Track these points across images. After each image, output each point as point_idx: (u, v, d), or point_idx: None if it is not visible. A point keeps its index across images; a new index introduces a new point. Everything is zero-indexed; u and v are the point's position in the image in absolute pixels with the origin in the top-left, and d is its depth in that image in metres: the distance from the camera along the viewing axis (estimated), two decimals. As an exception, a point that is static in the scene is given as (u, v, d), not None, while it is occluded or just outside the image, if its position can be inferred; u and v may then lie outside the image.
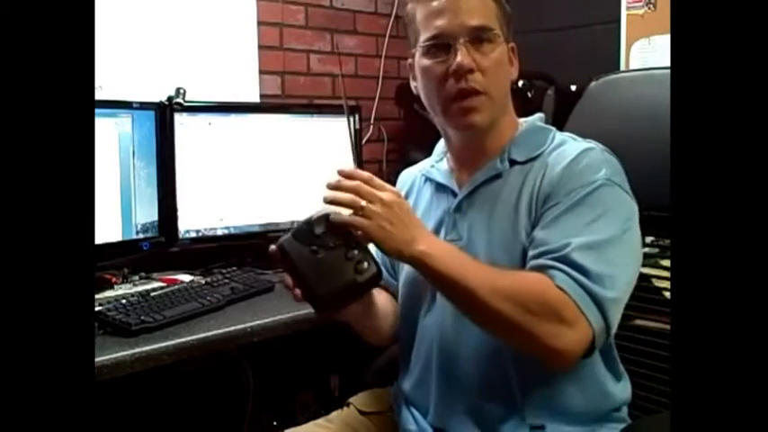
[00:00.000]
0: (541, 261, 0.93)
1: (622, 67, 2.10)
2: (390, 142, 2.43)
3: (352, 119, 1.95)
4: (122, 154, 1.57)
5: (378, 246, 0.90)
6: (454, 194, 1.09)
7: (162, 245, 1.68)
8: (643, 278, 1.20)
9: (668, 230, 1.19)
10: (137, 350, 1.17)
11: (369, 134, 2.34)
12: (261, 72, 2.08)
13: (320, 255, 0.90)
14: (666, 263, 1.26)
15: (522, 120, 1.11)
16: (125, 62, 1.76)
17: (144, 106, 1.63)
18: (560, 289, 0.89)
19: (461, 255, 0.94)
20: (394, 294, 1.17)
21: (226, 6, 1.99)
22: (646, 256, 1.11)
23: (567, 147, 1.02)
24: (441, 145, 1.17)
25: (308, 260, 0.90)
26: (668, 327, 1.18)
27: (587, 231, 0.93)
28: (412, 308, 1.11)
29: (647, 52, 2.07)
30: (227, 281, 1.55)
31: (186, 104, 1.69)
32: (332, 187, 0.92)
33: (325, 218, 0.91)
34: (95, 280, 1.54)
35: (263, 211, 1.82)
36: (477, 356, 1.01)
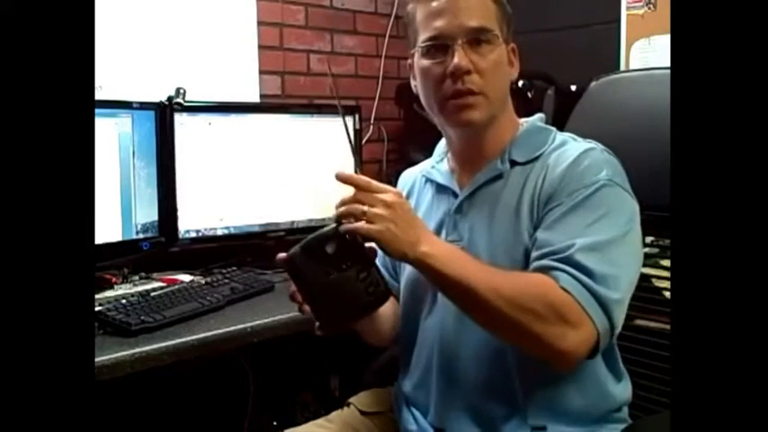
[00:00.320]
0: (545, 262, 0.92)
1: (622, 67, 2.10)
2: (390, 142, 2.43)
3: (351, 119, 1.96)
4: (122, 154, 1.57)
5: (383, 248, 0.89)
6: (455, 195, 1.09)
7: (162, 245, 1.68)
8: (643, 278, 1.20)
9: (668, 230, 1.19)
10: (137, 350, 1.17)
11: (369, 134, 2.34)
12: (261, 72, 2.08)
13: (332, 276, 0.89)
14: (666, 263, 1.26)
15: (522, 120, 1.11)
16: (125, 62, 1.76)
17: (144, 106, 1.63)
18: (564, 290, 0.89)
19: (464, 255, 0.94)
20: (395, 295, 1.17)
21: (226, 6, 1.99)
22: (646, 256, 1.11)
23: (568, 147, 1.02)
24: (441, 145, 1.17)
25: (320, 282, 0.89)
26: (668, 327, 1.18)
27: (590, 232, 0.93)
28: (413, 309, 1.11)
29: (647, 52, 2.07)
30: (227, 281, 1.55)
31: (186, 104, 1.69)
32: (338, 205, 0.91)
33: (335, 235, 0.89)
34: (95, 280, 1.54)
35: (263, 211, 1.82)
36: (478, 357, 1.01)
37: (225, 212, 1.76)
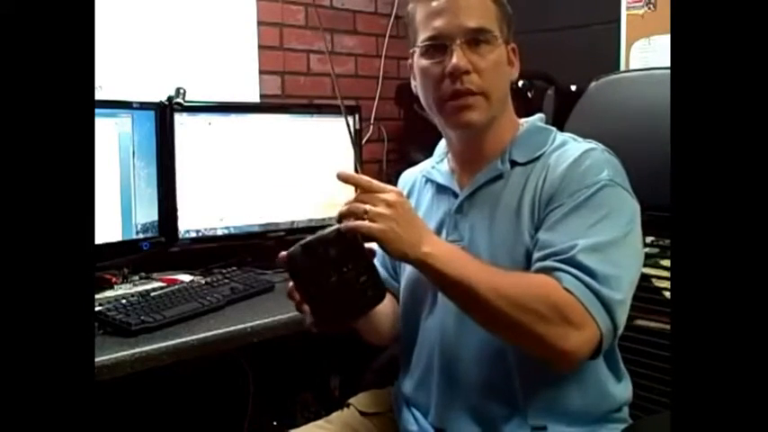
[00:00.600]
0: (547, 263, 0.92)
1: (622, 67, 2.10)
2: (390, 142, 2.43)
3: (351, 119, 1.96)
4: (122, 154, 1.57)
5: (384, 248, 0.88)
6: (455, 195, 1.08)
7: (162, 245, 1.68)
8: (643, 278, 1.20)
9: (668, 230, 1.19)
10: (137, 350, 1.17)
11: (369, 134, 2.34)
12: (261, 72, 2.08)
13: (333, 279, 0.88)
14: (666, 263, 1.26)
15: (522, 120, 1.11)
16: (125, 62, 1.76)
17: (144, 106, 1.63)
18: (567, 291, 0.89)
19: (466, 256, 0.93)
20: (395, 295, 1.17)
21: (226, 6, 1.99)
22: (646, 255, 1.11)
23: (569, 147, 1.02)
24: (441, 146, 1.17)
25: (319, 283, 0.89)
26: (668, 327, 1.18)
27: (592, 233, 0.93)
28: (413, 309, 1.11)
29: (647, 52, 2.07)
30: (227, 281, 1.55)
31: (186, 104, 1.69)
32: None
33: (337, 237, 0.89)
34: (95, 280, 1.54)
35: (263, 211, 1.82)
36: (479, 357, 1.01)
37: (225, 212, 1.76)
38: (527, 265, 0.97)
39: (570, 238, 0.92)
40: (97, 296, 1.47)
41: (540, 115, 1.12)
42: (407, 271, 1.12)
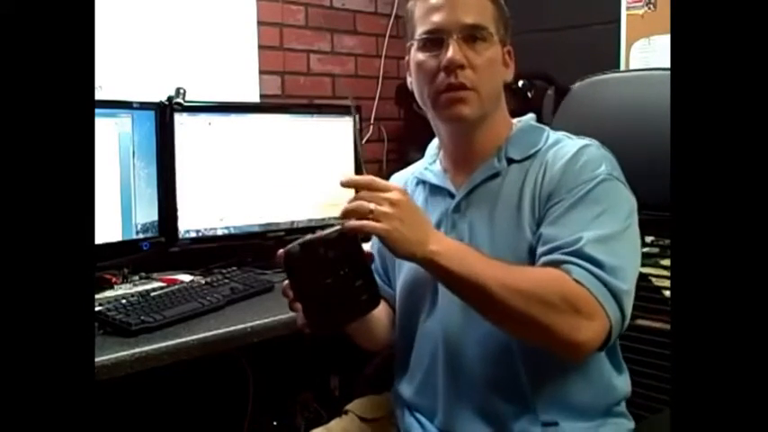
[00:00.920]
0: (555, 256, 0.93)
1: (622, 67, 2.10)
2: (390, 142, 2.43)
3: (352, 119, 1.96)
4: (122, 154, 1.57)
5: (390, 247, 0.88)
6: (451, 195, 1.08)
7: (162, 245, 1.67)
8: (643, 278, 1.21)
9: (659, 230, 1.19)
10: (137, 350, 1.17)
11: (369, 134, 2.34)
12: (261, 72, 2.08)
13: (328, 280, 0.88)
14: (666, 262, 1.27)
15: (515, 119, 1.12)
16: (125, 62, 1.76)
17: (144, 106, 1.63)
18: (578, 282, 0.89)
19: (474, 252, 0.93)
20: (388, 300, 1.16)
21: (226, 6, 1.99)
22: (646, 255, 1.12)
23: (565, 144, 1.04)
24: (432, 146, 1.18)
25: (315, 284, 0.88)
26: (668, 326, 1.18)
27: (595, 225, 0.93)
28: (411, 313, 1.10)
29: (647, 52, 2.07)
30: (227, 281, 1.55)
31: (186, 104, 1.69)
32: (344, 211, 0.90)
33: (336, 239, 0.88)
34: (95, 280, 1.54)
35: (263, 211, 1.82)
36: (484, 356, 1.01)
37: (225, 212, 1.76)
38: (530, 261, 0.97)
39: (574, 232, 0.93)
40: (97, 296, 1.47)
41: (531, 115, 1.14)
42: (403, 274, 1.12)
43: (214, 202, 1.74)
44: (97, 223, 1.28)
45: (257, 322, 1.34)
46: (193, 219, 1.71)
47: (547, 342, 0.91)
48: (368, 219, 0.86)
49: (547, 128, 1.10)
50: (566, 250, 0.92)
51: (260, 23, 2.07)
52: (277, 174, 1.83)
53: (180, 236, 1.69)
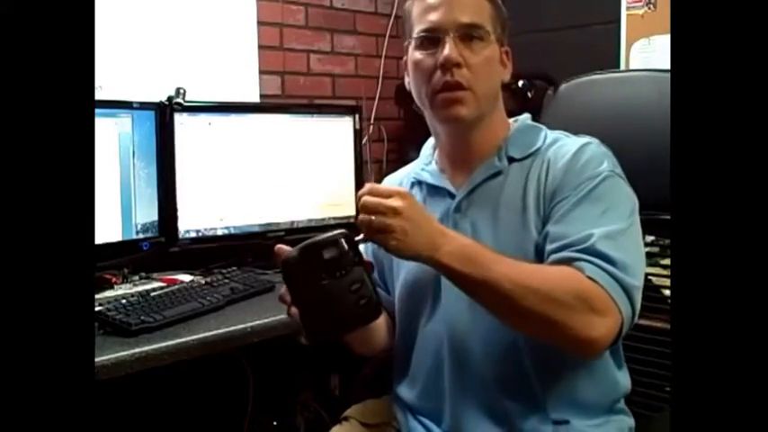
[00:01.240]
0: (566, 254, 0.92)
1: (622, 67, 2.10)
2: (390, 142, 2.43)
3: (351, 119, 1.96)
4: (122, 154, 1.57)
5: (394, 255, 0.88)
6: (451, 195, 1.08)
7: (162, 245, 1.68)
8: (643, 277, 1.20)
9: (660, 230, 1.19)
10: (137, 350, 1.17)
11: (369, 134, 2.34)
12: (261, 72, 2.08)
13: (324, 282, 0.86)
14: (666, 262, 1.27)
15: (511, 119, 1.12)
16: (125, 62, 1.76)
17: (144, 106, 1.63)
18: (591, 279, 0.89)
19: (484, 252, 0.91)
20: (384, 306, 1.16)
21: (226, 6, 1.99)
22: (646, 255, 1.11)
23: (565, 143, 1.04)
24: (428, 147, 1.17)
25: (310, 287, 0.87)
26: (668, 326, 1.18)
27: (603, 222, 0.94)
28: (412, 314, 1.09)
29: (647, 52, 2.07)
30: (227, 281, 1.55)
31: (186, 104, 1.69)
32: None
33: (336, 241, 0.87)
34: (95, 280, 1.54)
35: (263, 211, 1.82)
36: (492, 355, 1.00)
37: (225, 212, 1.76)
38: (535, 259, 0.97)
39: (583, 229, 0.93)
40: (97, 296, 1.47)
41: (527, 114, 1.14)
42: (403, 276, 1.11)
43: (214, 202, 1.74)
44: (97, 223, 1.28)
45: (257, 322, 1.34)
46: (193, 219, 1.71)
47: (562, 340, 0.91)
48: (373, 230, 0.86)
49: (544, 127, 1.10)
50: (577, 247, 0.92)
51: (260, 23, 2.07)
52: (277, 174, 1.83)
53: (180, 236, 1.69)
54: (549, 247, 0.96)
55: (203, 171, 1.72)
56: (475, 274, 0.88)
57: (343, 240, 0.87)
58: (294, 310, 0.89)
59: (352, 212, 1.86)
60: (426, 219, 0.90)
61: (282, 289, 0.91)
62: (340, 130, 1.94)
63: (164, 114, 1.66)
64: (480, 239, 1.02)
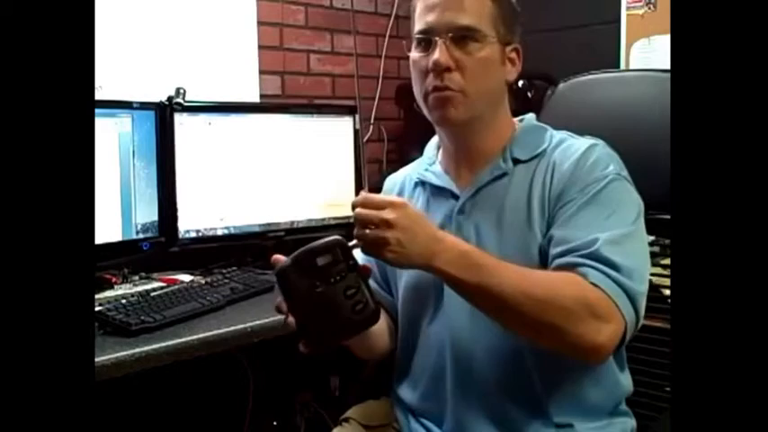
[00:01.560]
0: (570, 259, 0.92)
1: (622, 67, 2.10)
2: (390, 142, 2.43)
3: (351, 119, 1.96)
4: (122, 154, 1.57)
5: (391, 265, 0.88)
6: (454, 197, 1.07)
7: (162, 245, 1.67)
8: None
9: (659, 230, 1.19)
10: (137, 350, 1.16)
11: (369, 134, 2.34)
12: (261, 72, 2.08)
13: (319, 288, 0.86)
14: (666, 262, 1.27)
15: (515, 119, 1.11)
16: (125, 62, 1.76)
17: (144, 106, 1.63)
18: (595, 286, 0.89)
19: (483, 257, 0.90)
20: (386, 309, 1.15)
21: (226, 6, 1.99)
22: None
23: (571, 144, 1.03)
24: (431, 146, 1.17)
25: (306, 295, 0.87)
26: (668, 325, 1.18)
27: (608, 226, 0.93)
28: (414, 316, 1.09)
29: (647, 52, 2.07)
30: (227, 281, 1.55)
31: (186, 104, 1.69)
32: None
33: (329, 248, 0.87)
34: (95, 280, 1.53)
35: (263, 211, 1.82)
36: (495, 360, 1.00)
37: (225, 212, 1.76)
38: (540, 262, 0.97)
39: (588, 233, 0.92)
40: (97, 296, 1.47)
41: (532, 114, 1.13)
42: (405, 278, 1.11)
43: (214, 202, 1.74)
44: (97, 223, 1.28)
45: (257, 322, 1.34)
46: (193, 219, 1.71)
47: (565, 347, 0.91)
48: (364, 244, 0.86)
49: (549, 127, 1.09)
50: (581, 252, 0.91)
51: (260, 23, 2.07)
52: (277, 174, 1.83)
53: (180, 236, 1.69)
54: (553, 251, 0.95)
55: (203, 171, 1.72)
56: (474, 281, 0.87)
57: (337, 247, 0.87)
58: (291, 319, 0.89)
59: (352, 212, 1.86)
60: (422, 226, 0.89)
61: (278, 298, 0.91)
62: (340, 131, 1.94)
63: (164, 114, 1.66)
64: (484, 242, 1.02)
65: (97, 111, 1.40)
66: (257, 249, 1.79)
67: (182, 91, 1.68)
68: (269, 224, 1.82)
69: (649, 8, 2.06)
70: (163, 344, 1.20)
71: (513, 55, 1.07)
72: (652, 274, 1.25)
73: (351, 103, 2.20)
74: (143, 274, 1.68)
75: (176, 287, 1.47)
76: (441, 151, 1.14)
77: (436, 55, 0.99)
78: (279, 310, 0.91)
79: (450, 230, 1.05)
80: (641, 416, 1.12)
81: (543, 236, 0.98)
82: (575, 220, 0.95)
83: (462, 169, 1.09)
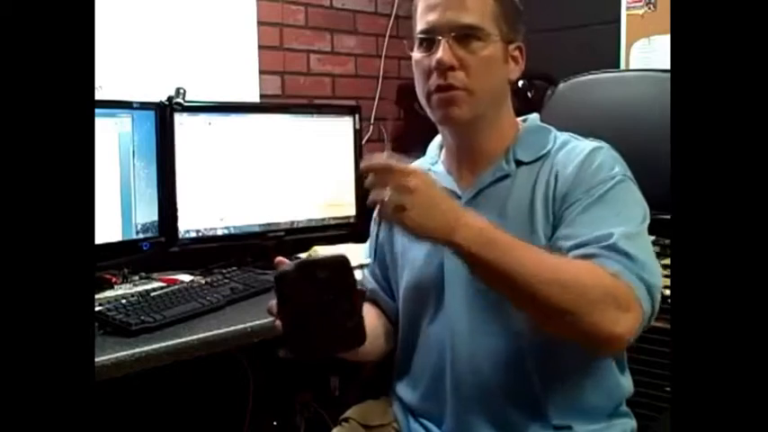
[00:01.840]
0: (587, 250, 0.91)
1: (622, 67, 2.10)
2: (390, 142, 2.43)
3: (351, 119, 1.96)
4: (122, 154, 1.57)
5: (408, 234, 0.85)
6: (457, 197, 1.06)
7: (162, 245, 1.67)
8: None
9: (659, 230, 1.19)
10: (137, 350, 1.16)
11: (369, 134, 2.34)
12: (261, 72, 2.08)
13: (312, 301, 0.86)
14: (666, 262, 1.26)
15: (519, 119, 1.11)
16: (125, 62, 1.76)
17: (144, 106, 1.62)
18: (614, 276, 0.88)
19: (506, 237, 0.87)
20: (385, 310, 1.15)
21: (226, 6, 1.99)
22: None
23: (575, 146, 1.02)
24: (434, 146, 1.16)
25: (298, 303, 0.86)
26: (668, 325, 1.18)
27: (620, 222, 0.93)
28: (415, 315, 1.09)
29: (647, 52, 2.07)
30: (227, 281, 1.55)
31: (186, 104, 1.69)
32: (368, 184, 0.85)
33: (332, 264, 0.86)
34: (95, 280, 1.53)
35: (263, 211, 1.81)
36: (496, 362, 1.00)
37: (225, 212, 1.76)
38: None
39: (600, 228, 0.92)
40: (97, 296, 1.47)
41: (536, 114, 1.12)
42: (406, 277, 1.10)
43: (214, 202, 1.74)
44: (97, 223, 1.28)
45: (257, 322, 1.34)
46: (193, 219, 1.71)
47: (577, 334, 0.88)
48: (383, 207, 0.83)
49: (553, 128, 1.08)
50: (599, 244, 0.90)
51: (260, 23, 2.07)
52: (277, 174, 1.83)
53: (180, 236, 1.69)
54: (566, 244, 0.93)
55: (203, 171, 1.72)
56: (495, 260, 0.84)
57: (340, 264, 0.87)
58: (278, 323, 0.89)
59: (352, 212, 1.86)
60: (444, 199, 0.87)
61: (272, 301, 0.91)
62: (340, 131, 1.94)
63: (164, 114, 1.66)
64: None
65: (97, 111, 1.40)
66: (257, 249, 1.79)
67: (182, 91, 1.68)
68: (269, 224, 1.82)
69: (649, 8, 2.06)
70: (163, 344, 1.20)
71: (517, 53, 1.07)
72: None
73: (351, 102, 2.20)
74: (143, 274, 1.68)
75: (176, 287, 1.47)
76: (443, 151, 1.13)
77: (439, 54, 0.99)
78: (270, 312, 0.91)
79: None
80: (641, 416, 1.12)
81: (547, 238, 0.97)
82: (583, 218, 0.95)
83: (465, 169, 1.08)
